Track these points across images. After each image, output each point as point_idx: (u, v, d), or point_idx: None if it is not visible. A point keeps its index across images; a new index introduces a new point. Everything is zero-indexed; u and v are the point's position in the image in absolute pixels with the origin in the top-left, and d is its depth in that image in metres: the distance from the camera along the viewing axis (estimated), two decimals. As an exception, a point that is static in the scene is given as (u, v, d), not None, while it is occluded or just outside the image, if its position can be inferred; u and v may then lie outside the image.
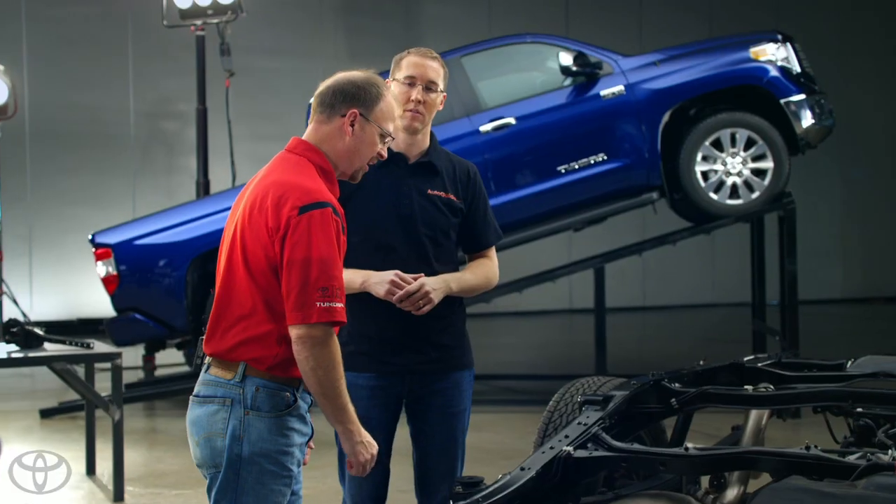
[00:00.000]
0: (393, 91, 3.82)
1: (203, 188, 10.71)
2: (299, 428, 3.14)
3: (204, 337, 3.21)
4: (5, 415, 9.02)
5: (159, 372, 10.17)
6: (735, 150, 8.61)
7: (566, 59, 8.55)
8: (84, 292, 13.40)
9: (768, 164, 8.57)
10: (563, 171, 8.57)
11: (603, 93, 8.63)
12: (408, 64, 3.85)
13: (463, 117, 8.59)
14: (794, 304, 8.66)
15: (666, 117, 8.69)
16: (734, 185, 8.66)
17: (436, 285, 3.71)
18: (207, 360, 3.18)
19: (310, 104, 3.88)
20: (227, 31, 10.54)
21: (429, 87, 3.83)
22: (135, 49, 14.42)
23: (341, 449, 3.86)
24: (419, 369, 3.81)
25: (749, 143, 8.58)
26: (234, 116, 11.67)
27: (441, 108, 3.91)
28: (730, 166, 8.63)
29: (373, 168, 3.77)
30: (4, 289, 11.21)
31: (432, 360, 3.82)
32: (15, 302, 11.29)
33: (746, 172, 8.60)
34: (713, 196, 8.66)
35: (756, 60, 8.66)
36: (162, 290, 8.71)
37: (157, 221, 9.00)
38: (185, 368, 10.10)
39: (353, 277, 3.72)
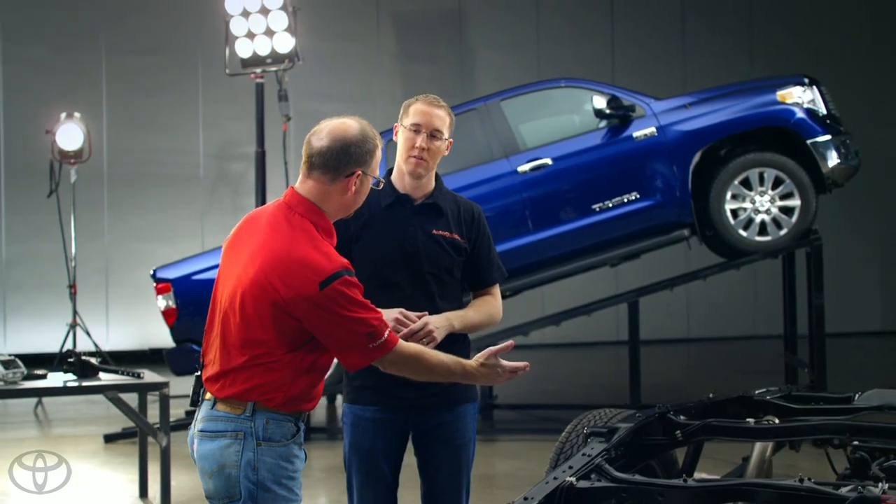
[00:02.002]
0: (399, 136, 3.82)
1: (261, 226, 10.76)
2: (300, 454, 3.20)
3: (202, 374, 3.20)
4: (75, 439, 9.12)
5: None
6: (763, 188, 8.49)
7: (600, 102, 8.52)
8: (154, 323, 13.49)
9: (795, 202, 8.45)
10: (597, 209, 8.51)
11: (636, 134, 8.57)
12: (415, 112, 3.81)
13: (502, 158, 8.59)
14: (822, 336, 8.52)
15: (697, 157, 8.60)
16: (763, 223, 8.54)
17: (439, 323, 3.68)
18: (209, 396, 3.17)
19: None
20: (285, 78, 10.62)
21: (433, 134, 3.79)
22: (204, 95, 14.64)
23: (350, 475, 3.83)
24: (422, 403, 3.77)
25: (777, 182, 8.47)
26: (293, 158, 11.76)
27: (447, 153, 3.86)
28: (758, 204, 8.51)
29: (380, 209, 3.77)
30: (78, 320, 11.39)
31: (435, 393, 3.77)
32: (87, 333, 11.46)
33: (774, 210, 8.48)
34: (742, 233, 8.55)
35: (783, 103, 8.55)
36: (218, 322, 8.73)
37: (213, 257, 9.03)
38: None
39: None
